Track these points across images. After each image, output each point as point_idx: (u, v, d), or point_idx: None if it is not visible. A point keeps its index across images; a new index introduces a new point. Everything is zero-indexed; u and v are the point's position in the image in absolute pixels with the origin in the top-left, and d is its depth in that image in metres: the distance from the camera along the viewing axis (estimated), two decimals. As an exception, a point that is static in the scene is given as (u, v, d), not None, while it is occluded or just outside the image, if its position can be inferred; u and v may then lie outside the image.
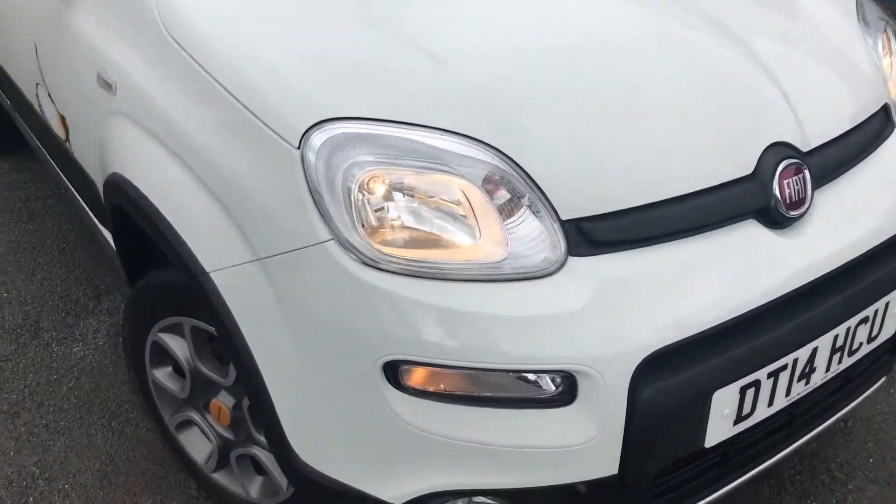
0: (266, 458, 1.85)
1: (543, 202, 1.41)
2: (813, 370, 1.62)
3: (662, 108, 1.56)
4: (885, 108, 1.88)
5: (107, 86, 1.80)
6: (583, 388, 1.38)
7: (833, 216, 1.64)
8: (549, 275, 1.39)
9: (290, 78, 1.48)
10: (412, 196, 1.40)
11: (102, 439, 2.30)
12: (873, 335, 1.71)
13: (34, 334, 2.70)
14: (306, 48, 1.54)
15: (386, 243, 1.38)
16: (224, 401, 1.87)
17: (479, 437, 1.42)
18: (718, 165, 1.54)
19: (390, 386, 1.40)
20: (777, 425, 1.70)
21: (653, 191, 1.47)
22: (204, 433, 1.99)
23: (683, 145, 1.53)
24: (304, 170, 1.39)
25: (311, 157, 1.39)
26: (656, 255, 1.46)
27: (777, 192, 1.55)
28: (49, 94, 2.24)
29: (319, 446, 1.54)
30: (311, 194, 1.39)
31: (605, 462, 1.44)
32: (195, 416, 1.97)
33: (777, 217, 1.56)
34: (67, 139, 2.25)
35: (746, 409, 1.54)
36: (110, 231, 2.04)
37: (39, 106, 2.41)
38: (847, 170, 1.71)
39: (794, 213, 1.58)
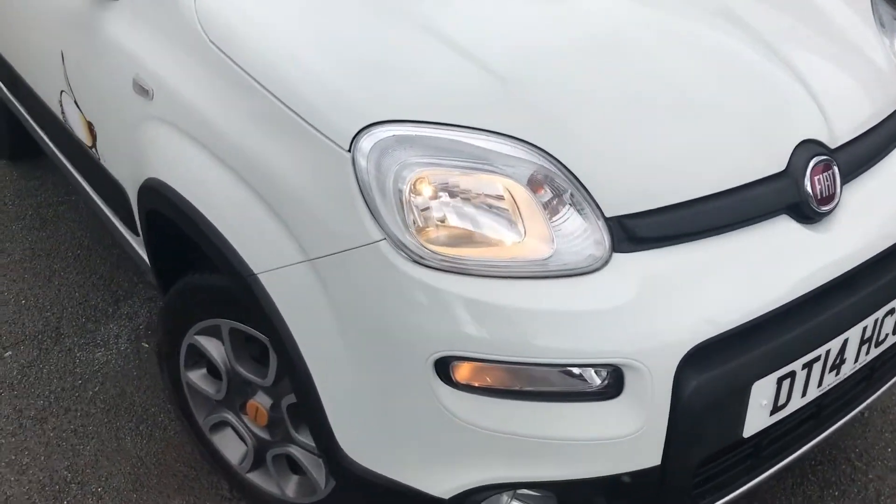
0: (304, 457, 1.88)
1: (588, 200, 1.45)
2: (843, 361, 1.67)
3: (698, 107, 1.61)
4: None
5: (143, 91, 1.83)
6: (629, 381, 1.42)
7: (860, 211, 1.69)
8: (595, 271, 1.43)
9: (337, 82, 1.51)
10: (460, 196, 1.44)
11: (132, 443, 2.32)
12: (899, 326, 1.76)
13: (55, 340, 2.71)
14: (350, 52, 1.57)
15: (435, 242, 1.42)
16: (261, 401, 1.89)
17: (527, 431, 1.46)
18: (753, 162, 1.58)
19: (441, 381, 1.43)
20: (806, 416, 1.74)
21: (693, 188, 1.51)
22: (238, 434, 2.01)
23: (720, 143, 1.58)
24: (355, 172, 1.42)
25: (361, 159, 1.42)
26: (696, 250, 1.50)
27: (808, 188, 1.60)
28: (75, 102, 2.26)
29: (367, 443, 1.57)
30: (362, 195, 1.42)
31: (648, 453, 1.48)
32: (230, 417, 1.99)
33: (808, 212, 1.61)
34: (94, 146, 2.26)
35: (782, 399, 1.58)
36: (142, 236, 2.06)
37: (63, 114, 2.42)
38: (872, 165, 1.76)
39: (824, 209, 1.62)
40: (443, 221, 1.43)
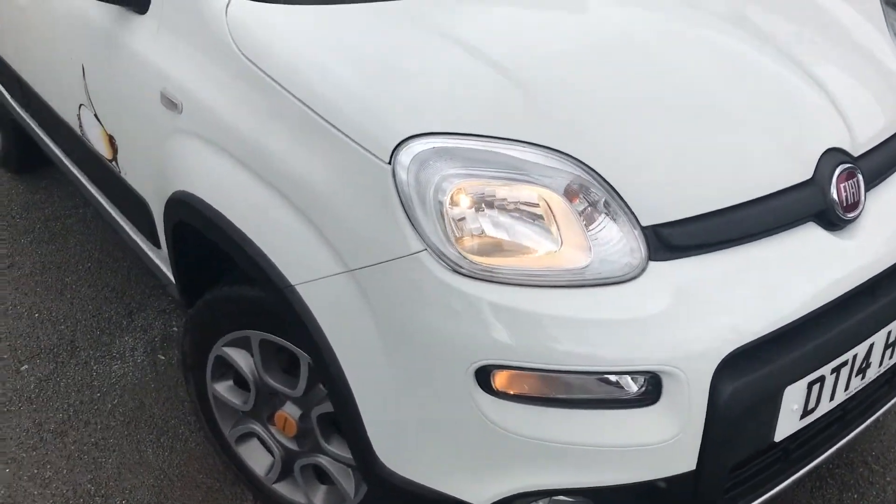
0: (333, 466, 1.89)
1: (624, 209, 1.47)
2: (869, 365, 1.70)
3: (726, 116, 1.64)
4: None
5: (172, 105, 1.84)
6: (667, 387, 1.44)
7: (883, 217, 1.72)
8: (632, 279, 1.45)
9: (374, 95, 1.53)
10: (498, 206, 1.46)
11: (153, 455, 2.32)
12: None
13: (71, 353, 2.71)
14: (385, 66, 1.59)
15: (475, 252, 1.44)
16: (290, 412, 1.90)
17: (565, 438, 1.47)
18: (781, 171, 1.61)
19: (481, 390, 1.45)
20: (832, 419, 1.77)
21: (725, 196, 1.54)
22: (265, 445, 2.02)
23: (749, 152, 1.61)
24: (395, 184, 1.44)
25: (401, 171, 1.44)
26: (729, 258, 1.52)
27: (835, 196, 1.63)
28: (95, 115, 2.27)
29: (404, 452, 1.58)
30: (403, 207, 1.44)
31: (684, 458, 1.50)
32: (258, 428, 2.00)
33: (834, 219, 1.64)
34: (114, 159, 2.27)
35: (812, 403, 1.61)
36: (167, 249, 2.06)
37: (80, 127, 2.43)
38: (893, 172, 1.80)
39: (850, 216, 1.65)
40: (482, 232, 1.45)
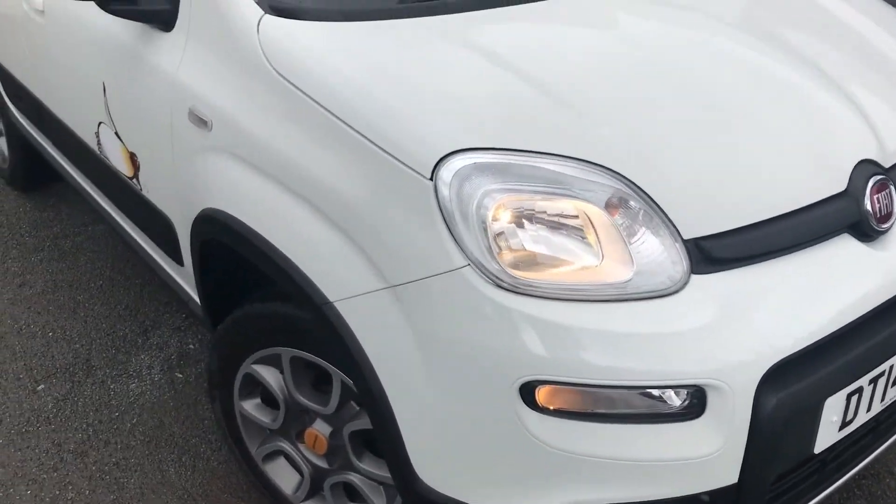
0: (364, 484, 1.87)
1: (665, 222, 1.47)
2: (904, 375, 1.70)
3: (762, 130, 1.65)
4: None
5: (201, 123, 1.83)
6: (712, 401, 1.43)
7: (915, 228, 1.73)
8: (674, 293, 1.45)
9: (413, 111, 1.53)
10: (540, 221, 1.46)
11: (176, 475, 2.30)
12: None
13: (87, 373, 2.69)
14: (422, 82, 1.60)
15: (518, 267, 1.43)
16: (320, 429, 1.89)
17: (609, 453, 1.47)
18: (816, 183, 1.62)
19: (525, 406, 1.44)
20: (866, 431, 1.77)
21: (764, 208, 1.54)
22: (293, 463, 2.01)
23: (785, 165, 1.61)
24: (437, 199, 1.44)
25: (443, 187, 1.44)
26: (767, 270, 1.52)
27: (868, 207, 1.64)
28: (116, 133, 2.26)
29: (445, 469, 1.57)
30: (445, 222, 1.44)
31: (727, 472, 1.50)
32: (286, 446, 1.99)
33: (868, 230, 1.64)
34: (135, 176, 2.26)
35: (850, 414, 1.61)
36: (193, 267, 2.05)
37: (99, 144, 2.42)
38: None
39: (883, 227, 1.66)
40: (524, 247, 1.45)
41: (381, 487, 1.87)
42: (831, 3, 2.17)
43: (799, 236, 1.57)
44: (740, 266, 1.51)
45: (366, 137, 1.52)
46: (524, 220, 1.45)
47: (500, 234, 1.44)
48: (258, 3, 1.74)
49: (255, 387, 1.99)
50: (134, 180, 2.28)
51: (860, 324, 1.58)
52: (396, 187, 1.48)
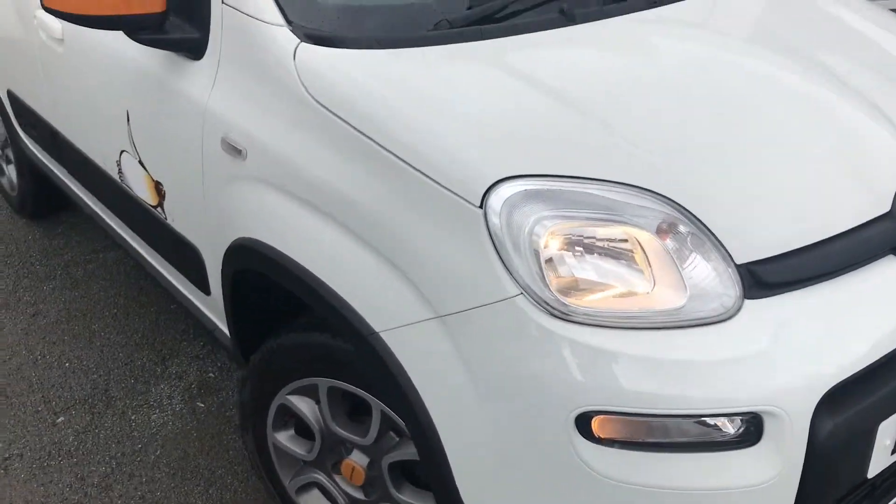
0: (403, 515, 1.85)
1: (718, 247, 1.45)
2: (951, 397, 1.68)
3: (805, 152, 1.64)
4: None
5: (235, 151, 1.81)
6: (769, 427, 1.42)
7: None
8: (728, 318, 1.43)
9: (460, 139, 1.51)
10: (591, 248, 1.44)
11: (204, 507, 2.26)
12: None
13: (107, 404, 2.65)
14: (466, 108, 1.58)
15: (570, 295, 1.42)
16: (358, 460, 1.86)
17: (666, 482, 1.44)
18: (861, 205, 1.61)
19: (581, 436, 1.42)
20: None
21: (813, 231, 1.53)
22: (328, 495, 1.97)
23: (830, 187, 1.60)
24: (488, 227, 1.42)
25: (493, 215, 1.42)
26: (818, 294, 1.51)
27: (912, 228, 1.63)
28: (140, 161, 2.24)
29: (495, 500, 1.54)
30: (496, 250, 1.42)
31: (783, 498, 1.47)
32: (321, 477, 1.96)
33: (913, 252, 1.64)
34: (160, 205, 2.24)
35: (902, 438, 1.60)
36: (224, 296, 2.02)
37: (120, 173, 2.40)
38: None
39: (927, 248, 1.65)
40: (576, 274, 1.43)
41: (422, 518, 1.84)
42: (855, 20, 2.17)
43: (846, 259, 1.56)
44: (791, 290, 1.49)
45: (412, 166, 1.50)
46: (576, 248, 1.44)
47: (554, 261, 1.42)
48: (293, 32, 1.73)
49: (288, 417, 1.96)
50: (158, 209, 2.26)
51: (908, 346, 1.57)
52: (444, 215, 1.47)
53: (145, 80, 2.11)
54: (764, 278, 1.47)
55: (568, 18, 1.85)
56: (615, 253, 1.45)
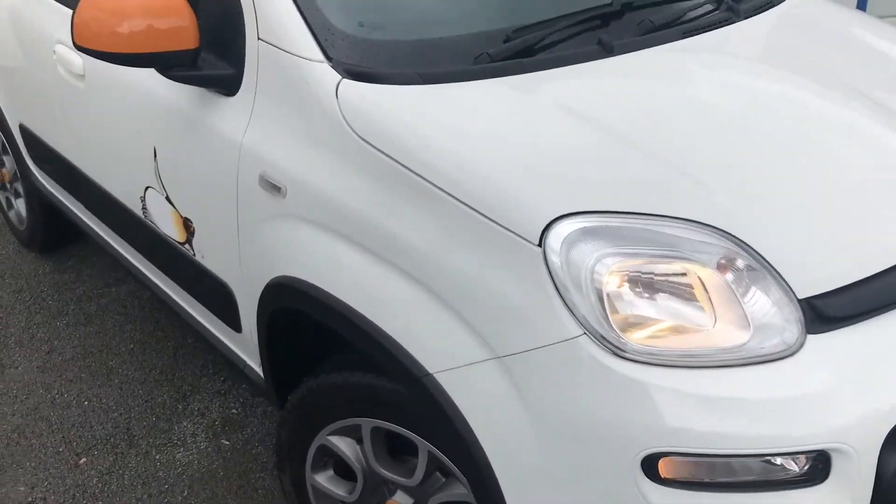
0: (450, 557, 1.80)
1: (779, 282, 1.44)
2: None
3: (858, 183, 1.63)
4: None
5: (273, 189, 1.78)
6: (836, 464, 1.39)
7: None
8: (792, 354, 1.41)
9: (516, 177, 1.49)
10: (652, 285, 1.42)
11: (236, 550, 2.21)
12: None
13: (129, 443, 2.60)
14: (519, 144, 1.57)
15: (633, 334, 1.39)
16: (402, 501, 1.82)
17: (731, 523, 1.42)
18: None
19: (647, 479, 1.39)
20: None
21: (869, 263, 1.51)
22: (370, 537, 1.93)
23: (882, 219, 1.59)
24: (547, 266, 1.40)
25: (552, 254, 1.40)
26: (878, 326, 1.49)
27: (962, 256, 1.61)
28: (168, 198, 2.21)
29: (554, 543, 1.51)
30: (557, 290, 1.39)
31: (852, 536, 1.45)
32: (362, 519, 1.92)
33: (963, 281, 1.62)
34: (188, 242, 2.21)
35: (961, 470, 1.57)
36: (260, 334, 1.98)
37: (144, 209, 2.36)
38: None
39: (978, 276, 1.63)
40: (636, 312, 1.41)
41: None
42: (890, 48, 2.17)
43: (900, 290, 1.54)
44: (852, 323, 1.47)
45: (466, 204, 1.47)
46: (637, 285, 1.42)
47: (616, 300, 1.40)
48: (334, 68, 1.71)
49: (327, 458, 1.92)
50: (186, 245, 2.22)
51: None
52: (501, 254, 1.44)
53: (174, 117, 2.08)
54: (825, 312, 1.45)
55: (606, 50, 1.84)
56: (676, 290, 1.43)
